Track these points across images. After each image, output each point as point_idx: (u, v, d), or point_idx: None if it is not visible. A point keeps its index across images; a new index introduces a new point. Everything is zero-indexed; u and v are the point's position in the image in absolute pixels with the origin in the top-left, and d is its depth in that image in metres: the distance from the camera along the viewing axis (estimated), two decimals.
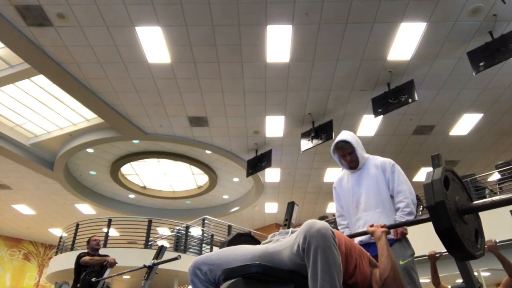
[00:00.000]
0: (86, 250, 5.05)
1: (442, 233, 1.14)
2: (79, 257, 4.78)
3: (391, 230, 2.27)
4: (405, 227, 2.29)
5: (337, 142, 2.51)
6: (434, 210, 1.14)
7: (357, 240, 2.39)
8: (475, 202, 1.25)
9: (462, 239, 1.13)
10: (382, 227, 1.79)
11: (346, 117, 8.22)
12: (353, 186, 2.51)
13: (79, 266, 4.70)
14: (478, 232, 1.28)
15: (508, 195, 1.15)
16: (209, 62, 6.59)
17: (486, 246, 2.82)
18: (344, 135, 2.52)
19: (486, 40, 5.71)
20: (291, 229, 1.59)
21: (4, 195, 12.13)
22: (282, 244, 1.46)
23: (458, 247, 1.15)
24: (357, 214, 2.45)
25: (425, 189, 1.18)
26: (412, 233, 2.35)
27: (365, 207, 2.39)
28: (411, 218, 2.33)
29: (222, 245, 2.00)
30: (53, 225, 14.62)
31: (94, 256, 4.80)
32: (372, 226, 1.84)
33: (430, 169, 1.29)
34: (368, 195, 2.41)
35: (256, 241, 2.13)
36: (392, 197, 2.42)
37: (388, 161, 2.50)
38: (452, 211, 1.15)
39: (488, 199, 1.21)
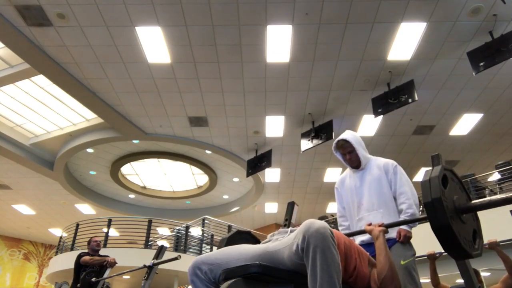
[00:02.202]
0: (86, 250, 5.06)
1: (438, 230, 1.11)
2: (79, 256, 4.79)
3: (394, 231, 2.27)
4: (409, 230, 2.29)
5: (338, 141, 2.52)
6: (430, 207, 1.12)
7: (358, 240, 2.38)
8: (473, 202, 1.22)
9: (458, 237, 1.10)
10: (380, 225, 1.77)
11: (346, 117, 8.22)
12: (355, 186, 2.51)
13: (79, 266, 4.71)
14: (477, 233, 1.25)
15: (507, 194, 1.13)
16: (209, 62, 6.59)
17: (487, 244, 2.85)
18: (345, 134, 2.53)
19: (486, 40, 5.70)
20: (290, 228, 1.59)
21: (4, 195, 12.13)
22: (281, 243, 1.46)
23: (454, 245, 1.12)
24: (359, 214, 2.44)
25: (423, 186, 1.17)
26: (413, 234, 2.35)
27: (368, 207, 2.38)
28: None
29: (221, 242, 1.99)
30: (53, 225, 14.62)
31: (94, 256, 4.81)
32: (370, 225, 1.83)
33: (430, 169, 1.27)
34: (371, 195, 2.40)
35: (255, 239, 2.12)
36: (394, 198, 2.42)
37: (391, 162, 2.50)
38: (449, 208, 1.12)
39: (486, 199, 1.19)
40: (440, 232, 1.11)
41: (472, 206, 1.20)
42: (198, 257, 1.56)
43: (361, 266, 1.52)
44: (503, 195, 1.13)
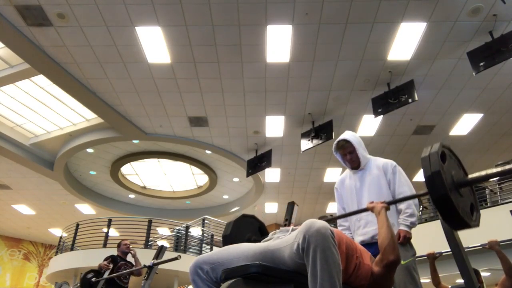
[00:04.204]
0: (116, 253, 5.16)
1: (438, 200, 1.14)
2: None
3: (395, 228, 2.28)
4: (408, 231, 2.30)
5: (338, 141, 2.53)
6: (430, 179, 1.17)
7: (358, 240, 2.39)
8: (470, 176, 1.26)
9: (456, 207, 1.13)
10: (382, 203, 1.82)
11: (346, 117, 8.22)
12: (355, 187, 2.52)
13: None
14: (474, 206, 1.29)
15: (499, 169, 1.18)
16: (209, 62, 6.59)
17: (487, 244, 2.86)
18: (346, 134, 2.54)
19: (486, 40, 5.70)
20: (291, 227, 1.59)
21: (4, 195, 12.13)
22: (282, 242, 1.46)
23: (453, 215, 1.14)
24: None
25: (423, 161, 1.22)
26: (413, 233, 2.35)
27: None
28: (413, 220, 2.33)
29: (227, 226, 2.03)
30: (53, 225, 14.62)
31: (123, 259, 5.01)
32: (372, 202, 1.86)
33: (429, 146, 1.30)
34: (370, 195, 2.41)
35: (259, 222, 2.26)
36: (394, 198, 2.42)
37: (390, 162, 2.51)
38: (448, 182, 1.16)
39: (482, 172, 1.23)
40: (440, 203, 1.14)
41: (470, 180, 1.25)
42: (200, 257, 1.55)
43: (363, 263, 1.52)
44: (497, 169, 1.18)
